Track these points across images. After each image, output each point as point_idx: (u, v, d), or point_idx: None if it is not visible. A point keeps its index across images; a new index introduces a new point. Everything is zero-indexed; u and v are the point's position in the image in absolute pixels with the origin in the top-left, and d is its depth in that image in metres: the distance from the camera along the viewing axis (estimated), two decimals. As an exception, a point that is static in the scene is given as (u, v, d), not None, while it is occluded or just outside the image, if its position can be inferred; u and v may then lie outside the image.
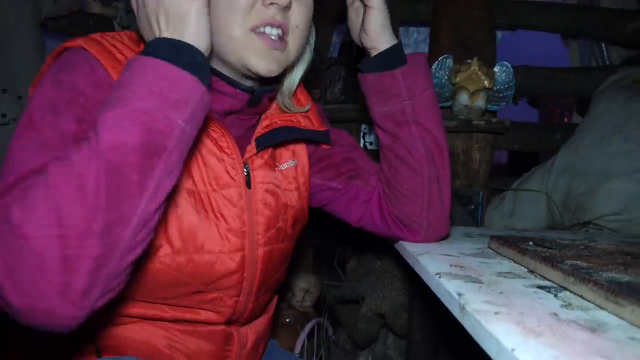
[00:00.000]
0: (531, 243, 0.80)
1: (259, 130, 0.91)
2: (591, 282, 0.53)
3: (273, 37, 0.79)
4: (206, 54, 0.68)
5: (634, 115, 1.69)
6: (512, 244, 0.81)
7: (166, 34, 0.67)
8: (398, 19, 2.05)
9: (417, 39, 2.39)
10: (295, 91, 0.98)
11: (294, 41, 0.83)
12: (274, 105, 0.96)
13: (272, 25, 0.78)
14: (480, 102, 1.75)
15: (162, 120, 0.61)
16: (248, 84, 0.85)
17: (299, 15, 0.82)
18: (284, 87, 0.95)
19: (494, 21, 1.94)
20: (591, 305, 0.53)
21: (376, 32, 0.92)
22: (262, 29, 0.78)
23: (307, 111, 0.99)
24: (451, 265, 0.73)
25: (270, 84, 0.89)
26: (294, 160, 0.98)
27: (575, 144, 1.82)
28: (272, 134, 0.91)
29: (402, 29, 2.29)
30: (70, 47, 0.75)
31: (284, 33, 0.80)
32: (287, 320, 1.78)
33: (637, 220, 1.57)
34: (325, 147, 1.04)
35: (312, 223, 1.06)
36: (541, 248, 0.77)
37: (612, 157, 1.66)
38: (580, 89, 2.02)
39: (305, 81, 1.07)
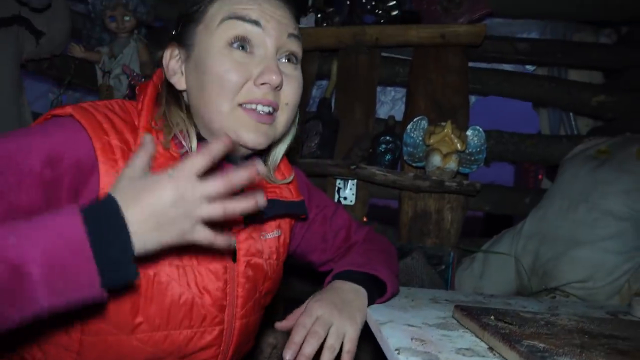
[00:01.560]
0: (492, 317, 0.80)
1: None
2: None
3: (262, 112, 0.80)
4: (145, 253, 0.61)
5: (598, 185, 1.74)
6: (474, 316, 0.81)
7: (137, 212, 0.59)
8: (376, 79, 2.12)
9: (394, 97, 2.46)
10: (279, 164, 0.99)
11: (283, 117, 0.84)
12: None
13: (262, 104, 0.80)
14: (452, 164, 1.79)
15: (28, 290, 0.53)
16: (236, 159, 0.86)
17: (290, 93, 0.84)
18: (269, 160, 0.96)
19: (467, 86, 2.02)
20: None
21: None
22: (252, 106, 0.79)
23: (291, 180, 1.00)
24: (412, 339, 0.73)
25: (259, 155, 0.90)
26: (278, 231, 0.98)
27: (543, 210, 1.86)
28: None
29: (379, 88, 2.36)
30: (58, 115, 0.75)
31: (274, 110, 0.82)
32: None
33: (602, 289, 1.60)
34: (313, 213, 1.08)
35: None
36: (502, 323, 0.77)
37: (578, 225, 1.70)
38: (548, 155, 2.09)
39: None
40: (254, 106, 0.79)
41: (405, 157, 1.91)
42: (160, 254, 0.66)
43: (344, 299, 0.91)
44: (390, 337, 0.74)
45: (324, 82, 2.38)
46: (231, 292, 0.84)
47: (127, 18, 1.98)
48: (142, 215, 0.58)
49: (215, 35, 0.79)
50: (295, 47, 0.85)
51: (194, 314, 0.79)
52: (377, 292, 0.99)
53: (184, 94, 0.86)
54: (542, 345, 0.64)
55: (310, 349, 0.80)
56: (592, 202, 1.71)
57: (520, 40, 2.14)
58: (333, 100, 2.17)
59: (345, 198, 2.07)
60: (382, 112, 2.45)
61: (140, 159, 0.63)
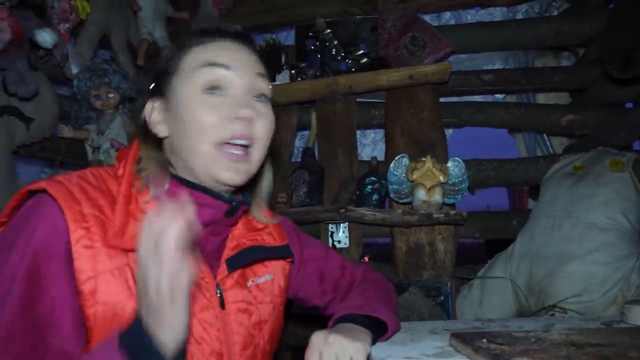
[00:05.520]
0: (484, 340, 0.84)
1: (227, 252, 0.94)
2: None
3: (238, 152, 0.85)
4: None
5: (578, 200, 1.81)
6: (467, 342, 0.85)
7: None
8: (354, 124, 2.21)
9: (375, 138, 2.56)
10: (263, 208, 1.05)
11: (257, 152, 0.89)
12: (240, 223, 1.01)
13: (239, 138, 0.85)
14: (437, 196, 1.85)
15: None
16: (225, 195, 0.90)
17: (261, 129, 0.89)
18: (257, 198, 1.03)
19: (441, 121, 2.11)
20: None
21: None
22: (228, 142, 0.84)
23: (273, 224, 1.06)
24: (410, 371, 0.77)
25: (241, 192, 0.96)
26: (270, 275, 1.02)
27: (530, 230, 1.92)
28: (241, 255, 0.95)
29: (359, 131, 2.45)
30: (33, 190, 0.79)
31: (246, 145, 0.87)
32: None
33: (597, 301, 1.63)
34: (306, 257, 1.13)
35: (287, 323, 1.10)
36: (494, 344, 0.81)
37: (565, 241, 1.75)
38: (528, 176, 2.16)
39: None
40: (230, 148, 0.85)
41: (391, 195, 1.98)
42: None
43: (346, 330, 0.93)
44: (390, 371, 0.77)
45: (306, 132, 2.47)
46: (226, 340, 0.87)
47: (111, 95, 2.07)
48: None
49: (190, 83, 0.86)
50: (264, 85, 0.91)
51: None
52: (378, 332, 1.01)
53: (166, 142, 0.91)
54: (530, 360, 0.68)
55: None
56: (575, 217, 1.78)
57: (485, 72, 2.26)
58: (316, 149, 2.25)
59: (339, 241, 2.12)
60: (365, 154, 2.53)
61: None
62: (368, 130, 2.54)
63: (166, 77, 0.90)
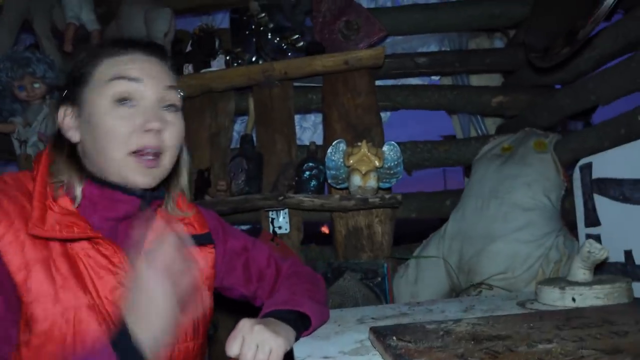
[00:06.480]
0: (394, 338, 0.89)
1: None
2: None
3: (149, 158, 0.92)
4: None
5: (504, 181, 1.90)
6: (380, 339, 0.90)
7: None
8: (292, 109, 2.21)
9: (315, 121, 2.56)
10: (179, 202, 1.10)
11: (167, 158, 0.96)
12: (160, 216, 1.05)
13: (149, 148, 0.92)
14: (372, 181, 1.90)
15: None
16: (137, 191, 0.96)
17: (171, 137, 0.96)
18: (171, 192, 1.08)
19: (377, 105, 2.14)
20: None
21: None
22: (140, 151, 0.91)
23: (190, 216, 1.11)
24: (322, 373, 0.80)
25: (157, 190, 1.01)
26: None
27: (461, 210, 2.00)
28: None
29: (299, 115, 2.46)
30: None
31: (157, 152, 0.93)
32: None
33: (520, 277, 1.73)
34: (230, 247, 1.18)
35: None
36: (402, 342, 0.86)
37: (492, 221, 1.84)
38: (461, 157, 2.24)
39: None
40: (142, 156, 0.91)
41: (329, 181, 2.01)
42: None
43: (269, 323, 0.98)
44: (303, 375, 0.81)
45: (246, 117, 2.44)
46: None
47: (36, 85, 1.98)
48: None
49: (102, 94, 0.91)
50: (173, 97, 0.98)
51: None
52: (302, 326, 1.06)
53: (79, 146, 0.96)
54: (426, 361, 0.73)
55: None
56: (501, 197, 1.86)
57: (419, 54, 2.29)
58: (255, 135, 2.24)
59: (280, 227, 2.14)
60: (306, 137, 2.54)
61: None
62: (308, 114, 2.54)
63: (78, 85, 0.94)
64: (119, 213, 0.96)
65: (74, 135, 0.95)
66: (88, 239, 0.90)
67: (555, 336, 0.83)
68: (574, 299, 1.16)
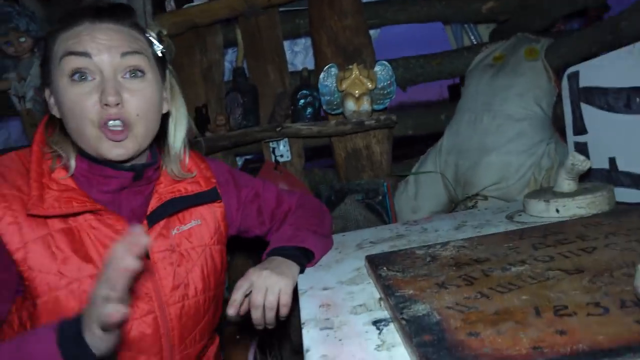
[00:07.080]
0: (384, 268, 0.98)
1: (151, 207, 1.03)
2: (397, 320, 0.72)
3: (117, 129, 0.91)
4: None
5: (497, 92, 1.91)
6: (373, 268, 0.99)
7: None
8: (280, 36, 2.18)
9: (306, 44, 2.52)
10: (184, 161, 1.12)
11: (139, 127, 0.95)
12: (163, 175, 1.08)
13: (112, 119, 0.91)
14: (366, 104, 1.92)
15: None
16: (127, 163, 0.98)
17: (137, 105, 0.94)
18: (170, 156, 1.09)
19: (366, 25, 2.10)
20: (398, 341, 0.71)
21: None
22: (105, 124, 0.91)
23: (194, 175, 1.13)
24: (320, 306, 0.90)
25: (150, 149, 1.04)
26: (197, 220, 1.10)
27: (456, 124, 2.04)
28: (161, 209, 1.04)
29: (289, 40, 2.42)
30: None
31: (124, 123, 0.92)
32: (237, 337, 1.93)
33: (513, 186, 1.81)
34: (244, 197, 1.24)
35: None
36: (391, 272, 0.95)
37: (485, 134, 1.89)
38: (454, 69, 2.23)
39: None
40: (110, 128, 0.91)
41: (324, 107, 2.03)
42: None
43: (276, 266, 1.07)
44: (304, 308, 0.91)
45: (233, 50, 2.42)
46: (153, 284, 0.98)
47: (22, 39, 1.98)
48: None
49: (59, 71, 0.90)
50: (135, 61, 0.94)
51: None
52: (306, 259, 1.14)
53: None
54: (410, 292, 0.82)
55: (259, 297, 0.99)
56: (494, 110, 1.89)
57: (406, -35, 2.20)
58: (246, 67, 2.23)
59: (282, 156, 2.21)
60: (298, 61, 2.52)
61: None
62: (298, 38, 2.49)
63: (46, 64, 0.95)
64: (114, 186, 0.97)
65: (56, 113, 0.96)
66: (89, 211, 0.93)
67: (529, 257, 0.90)
68: (557, 210, 1.23)
